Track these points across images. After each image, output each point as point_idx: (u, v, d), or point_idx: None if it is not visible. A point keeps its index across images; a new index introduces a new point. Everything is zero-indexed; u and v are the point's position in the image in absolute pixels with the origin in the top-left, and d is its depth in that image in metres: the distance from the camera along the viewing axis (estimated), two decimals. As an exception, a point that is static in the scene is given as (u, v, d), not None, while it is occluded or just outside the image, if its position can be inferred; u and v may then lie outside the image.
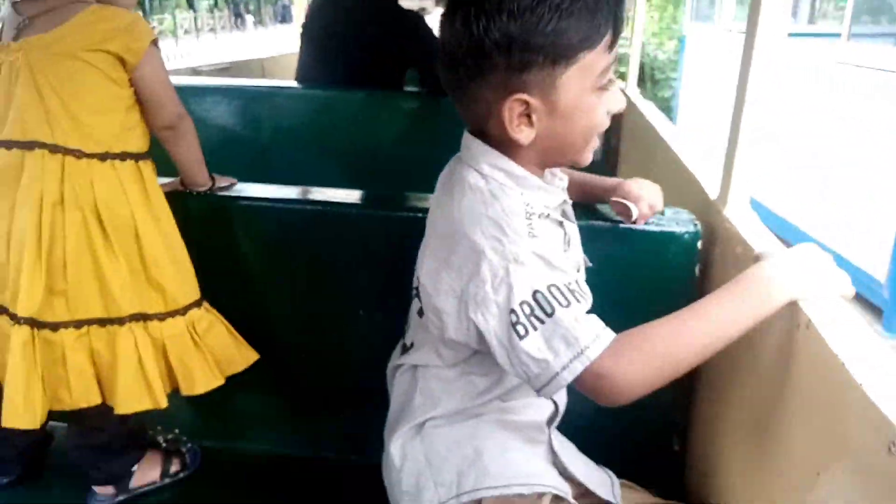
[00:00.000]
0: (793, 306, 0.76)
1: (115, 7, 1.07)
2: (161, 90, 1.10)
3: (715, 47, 6.13)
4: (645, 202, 1.03)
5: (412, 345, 0.94)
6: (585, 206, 1.09)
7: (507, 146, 0.81)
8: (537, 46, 0.73)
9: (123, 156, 1.07)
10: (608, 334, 0.72)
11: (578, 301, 0.74)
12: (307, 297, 1.29)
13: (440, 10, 0.91)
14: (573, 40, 0.73)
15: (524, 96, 0.75)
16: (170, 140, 1.15)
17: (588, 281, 0.81)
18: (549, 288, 0.73)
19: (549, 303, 0.73)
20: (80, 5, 1.04)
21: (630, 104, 2.29)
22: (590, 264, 0.96)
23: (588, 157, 0.84)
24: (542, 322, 0.72)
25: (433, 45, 2.40)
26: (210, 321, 1.19)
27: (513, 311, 0.73)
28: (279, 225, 1.25)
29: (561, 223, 0.84)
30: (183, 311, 1.15)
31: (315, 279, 1.27)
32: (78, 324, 1.07)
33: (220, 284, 1.24)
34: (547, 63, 0.74)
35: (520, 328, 0.72)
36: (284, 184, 2.20)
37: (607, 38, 0.75)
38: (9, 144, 1.04)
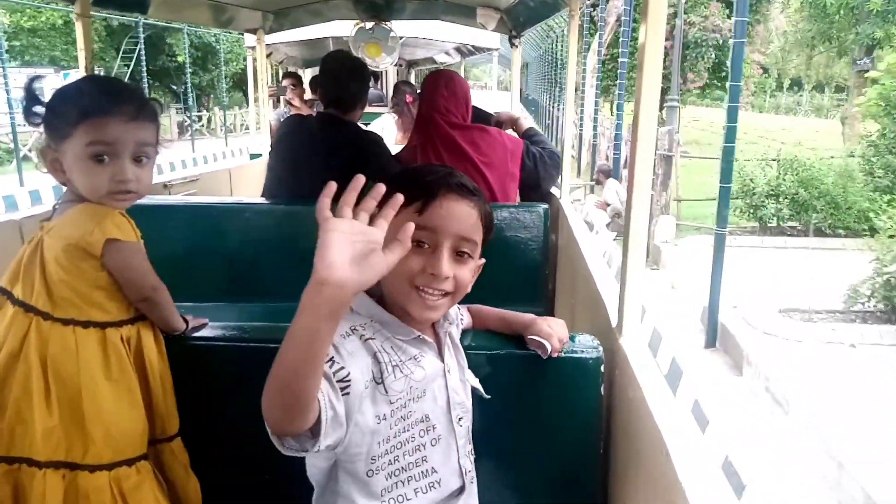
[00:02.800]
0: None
1: (91, 206, 1.23)
2: (125, 276, 1.26)
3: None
4: (555, 338, 1.23)
5: None
6: (506, 337, 1.29)
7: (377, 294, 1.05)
8: None
9: (87, 324, 1.23)
10: None
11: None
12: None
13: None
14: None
15: None
16: (145, 309, 1.31)
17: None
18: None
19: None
20: (76, 203, 1.24)
21: (563, 216, 2.55)
22: (486, 396, 1.15)
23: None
24: None
25: (389, 162, 2.67)
26: (137, 481, 1.25)
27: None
28: (250, 363, 1.39)
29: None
30: (108, 466, 1.22)
31: None
32: (9, 460, 1.19)
33: (198, 420, 1.35)
34: None
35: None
36: (256, 295, 2.35)
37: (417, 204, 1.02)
38: (9, 295, 1.24)
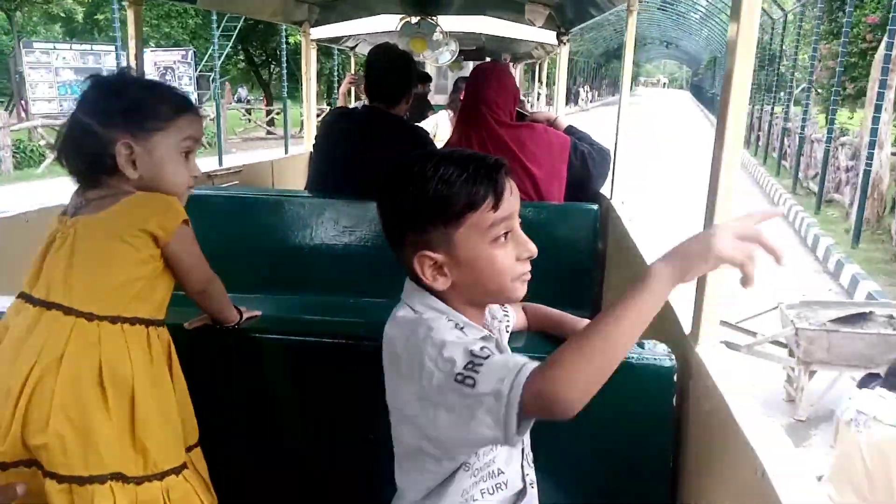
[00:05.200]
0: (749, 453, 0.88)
1: (155, 193, 1.20)
2: (189, 262, 1.22)
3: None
4: None
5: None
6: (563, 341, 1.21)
7: (436, 291, 1.00)
8: (431, 213, 0.95)
9: (134, 321, 1.16)
10: (531, 360, 0.88)
11: (502, 351, 0.93)
12: (325, 424, 1.39)
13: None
14: (458, 205, 0.94)
15: (429, 253, 0.97)
16: (201, 301, 1.29)
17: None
18: (479, 348, 0.90)
19: (482, 353, 0.89)
20: (125, 193, 1.18)
21: (613, 216, 2.46)
22: None
23: (517, 296, 1.02)
24: (482, 365, 0.88)
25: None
26: (185, 491, 1.20)
27: (458, 373, 0.88)
28: (305, 356, 1.37)
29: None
30: (160, 476, 1.16)
31: (333, 407, 1.37)
32: (59, 478, 1.09)
33: (241, 418, 1.33)
34: (440, 225, 0.95)
35: (468, 381, 0.87)
36: (296, 287, 2.32)
37: (489, 201, 0.95)
38: (33, 301, 1.15)
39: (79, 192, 1.22)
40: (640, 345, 1.21)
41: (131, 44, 2.61)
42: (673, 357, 1.20)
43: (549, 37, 4.13)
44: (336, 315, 2.28)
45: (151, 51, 15.99)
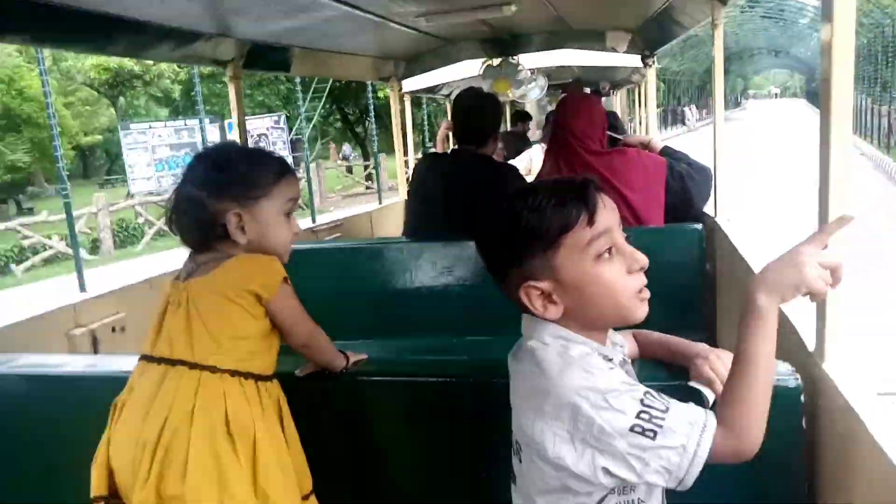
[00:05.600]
0: None
1: (257, 254, 1.27)
2: (291, 317, 1.28)
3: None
4: (718, 383, 1.05)
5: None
6: (676, 368, 1.16)
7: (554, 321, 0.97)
8: (527, 242, 0.94)
9: (248, 375, 1.23)
10: (709, 412, 0.90)
11: (669, 400, 0.90)
12: (438, 462, 1.38)
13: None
14: (552, 230, 0.92)
15: (533, 283, 0.95)
16: (306, 353, 1.34)
17: None
18: (647, 395, 0.88)
19: (659, 402, 0.87)
20: (221, 259, 1.25)
21: (720, 234, 2.34)
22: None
23: (638, 315, 0.97)
24: (664, 419, 0.86)
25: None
26: None
27: (634, 426, 0.86)
28: (410, 397, 1.38)
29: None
30: None
31: (448, 446, 1.37)
32: None
33: (352, 462, 1.34)
34: (539, 252, 0.93)
35: (648, 434, 0.85)
36: (401, 330, 2.37)
37: (583, 218, 0.93)
38: (156, 360, 1.22)
39: (191, 257, 1.31)
40: None
41: (234, 115, 2.82)
42: (798, 376, 1.11)
43: (638, 60, 4.08)
44: (441, 355, 2.31)
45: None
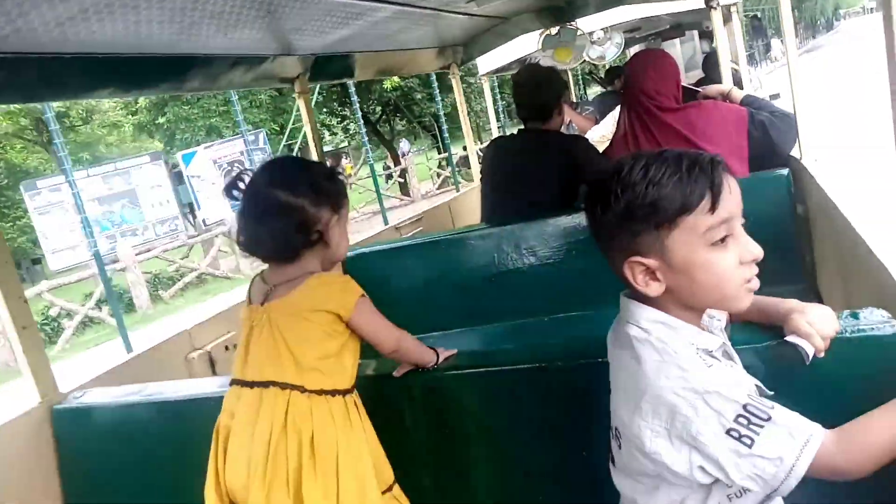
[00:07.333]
0: None
1: (332, 275, 1.35)
2: (375, 330, 1.34)
3: None
4: (817, 338, 1.03)
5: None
6: (767, 327, 1.13)
7: (651, 299, 0.95)
8: (641, 217, 0.89)
9: (333, 392, 1.29)
10: (816, 426, 0.86)
11: (774, 406, 0.86)
12: (539, 445, 1.41)
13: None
14: (670, 208, 0.88)
15: (639, 258, 0.91)
16: (398, 356, 1.41)
17: (781, 401, 0.89)
18: (750, 398, 0.85)
19: (760, 410, 0.84)
20: (307, 275, 1.31)
21: (809, 179, 2.24)
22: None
23: (742, 306, 0.93)
24: (763, 426, 0.83)
25: (601, 163, 2.57)
26: None
27: (731, 430, 0.84)
28: (502, 386, 1.42)
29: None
30: None
31: (537, 431, 1.40)
32: None
33: (444, 453, 1.39)
34: (651, 229, 0.89)
35: (745, 440, 0.84)
36: (492, 316, 2.41)
37: (706, 202, 0.87)
38: (251, 385, 1.30)
39: (262, 279, 1.37)
40: (854, 314, 1.10)
41: (307, 129, 2.93)
42: (894, 323, 1.07)
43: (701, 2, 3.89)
44: (535, 336, 2.33)
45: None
